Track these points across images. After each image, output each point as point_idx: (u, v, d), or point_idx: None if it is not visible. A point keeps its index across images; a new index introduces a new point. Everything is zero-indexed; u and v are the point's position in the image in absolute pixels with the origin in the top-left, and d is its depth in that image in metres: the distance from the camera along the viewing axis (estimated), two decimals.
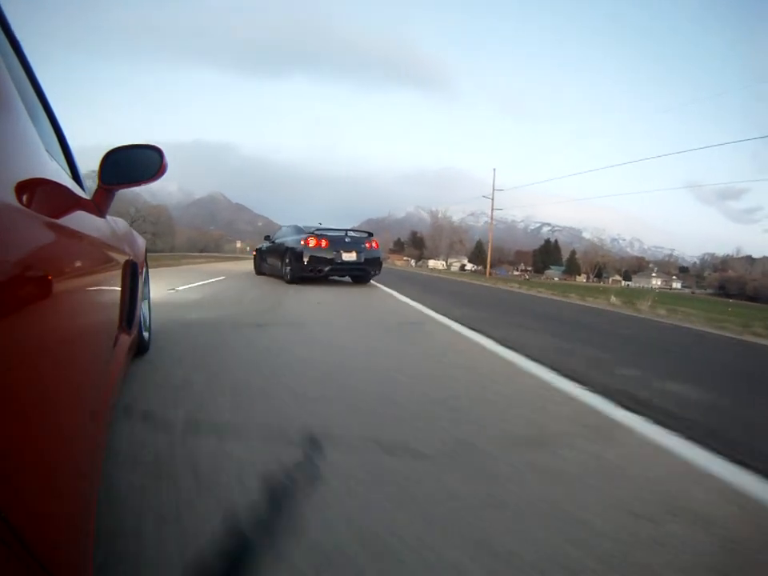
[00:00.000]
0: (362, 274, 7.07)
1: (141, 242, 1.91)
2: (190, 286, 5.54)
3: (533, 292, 9.60)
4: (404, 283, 9.40)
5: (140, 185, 1.17)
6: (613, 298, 6.87)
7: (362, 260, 6.63)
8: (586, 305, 6.90)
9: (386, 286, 7.52)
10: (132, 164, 1.17)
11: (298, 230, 6.93)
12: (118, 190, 1.16)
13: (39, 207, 0.44)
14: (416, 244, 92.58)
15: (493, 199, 29.32)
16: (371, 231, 7.67)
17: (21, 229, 0.36)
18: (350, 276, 7.35)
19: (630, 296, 8.26)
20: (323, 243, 6.38)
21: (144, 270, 1.95)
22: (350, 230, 7.18)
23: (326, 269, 6.38)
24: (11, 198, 0.36)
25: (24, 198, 0.39)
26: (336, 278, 7.51)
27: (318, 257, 6.30)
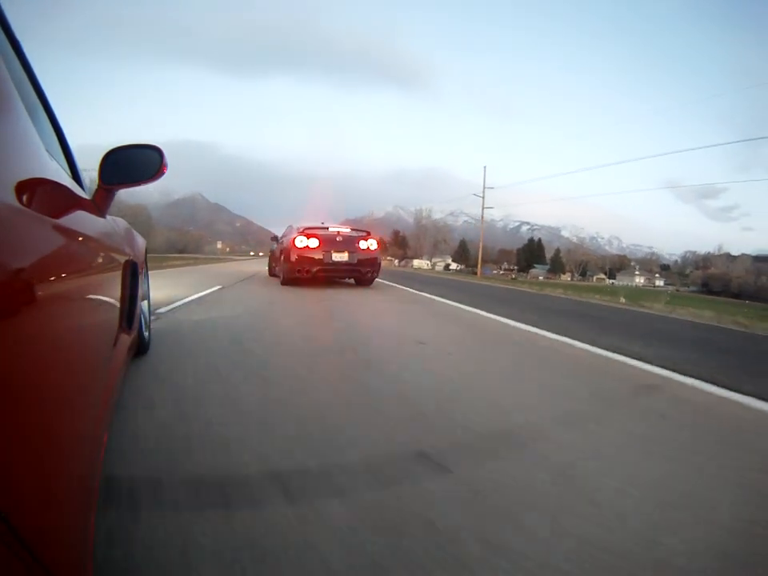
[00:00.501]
0: (355, 275, 6.56)
1: (141, 241, 1.91)
2: (179, 303, 3.82)
3: (569, 295, 8.67)
4: (436, 287, 8.40)
5: (140, 185, 1.17)
6: (707, 313, 5.81)
7: (355, 261, 6.17)
8: (662, 315, 5.73)
9: (423, 291, 6.78)
10: (132, 164, 1.17)
11: (295, 230, 6.57)
12: (118, 189, 1.16)
13: (39, 207, 0.44)
14: (399, 243, 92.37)
15: (484, 197, 28.42)
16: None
17: (21, 229, 0.36)
18: (345, 277, 6.86)
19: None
20: (312, 243, 6.01)
21: (144, 269, 1.95)
22: (344, 229, 6.73)
23: (314, 269, 6.01)
24: (11, 198, 0.36)
25: (24, 198, 0.39)
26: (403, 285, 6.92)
27: (306, 257, 5.98)
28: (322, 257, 6.00)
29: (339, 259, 6.11)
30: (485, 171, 28.54)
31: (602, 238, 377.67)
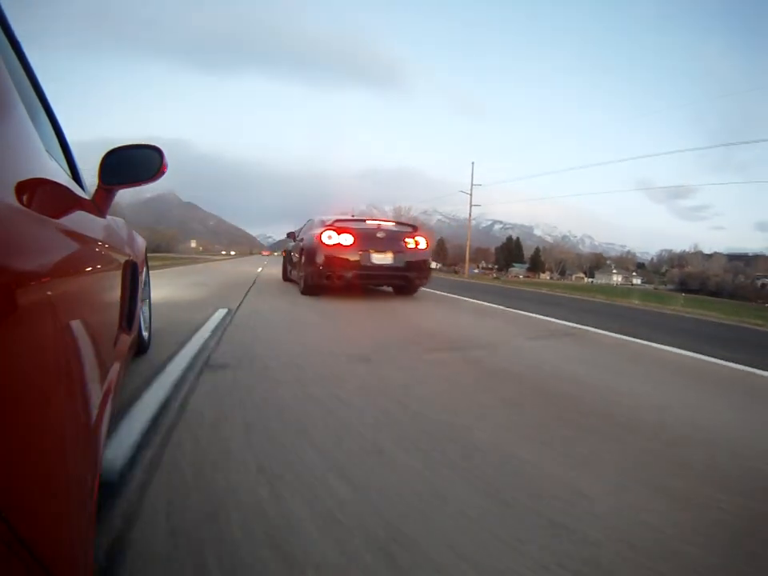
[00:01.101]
0: (400, 283, 5.11)
1: (141, 241, 1.91)
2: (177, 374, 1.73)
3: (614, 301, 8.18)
4: (488, 295, 7.15)
5: (140, 185, 1.17)
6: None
7: (402, 264, 4.80)
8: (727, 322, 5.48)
9: (500, 304, 5.45)
10: (132, 164, 1.17)
11: (319, 224, 5.10)
12: (118, 190, 1.17)
13: (39, 207, 0.44)
14: None
15: (471, 194, 27.40)
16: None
17: (21, 229, 0.36)
18: (387, 285, 5.50)
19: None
20: (345, 240, 4.61)
21: (144, 270, 1.96)
22: (385, 222, 5.23)
23: (349, 275, 4.60)
24: (11, 198, 0.36)
25: (24, 198, 0.39)
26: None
27: (337, 258, 4.55)
28: (358, 258, 4.61)
29: (381, 262, 4.71)
30: (473, 168, 27.37)
31: (575, 237, 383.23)
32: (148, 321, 2.17)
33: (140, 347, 1.92)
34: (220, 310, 3.51)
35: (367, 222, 5.09)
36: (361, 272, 4.64)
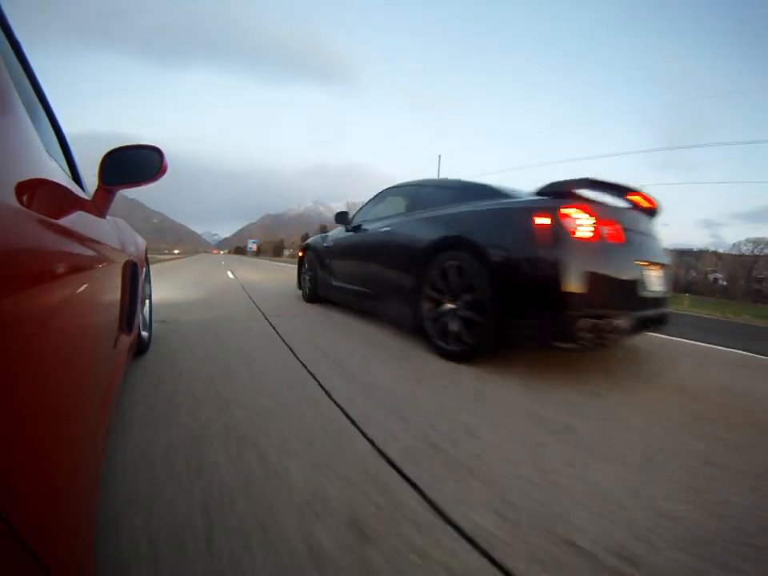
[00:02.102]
0: (659, 327, 2.30)
1: (141, 241, 1.92)
2: None
3: None
4: None
5: (140, 185, 1.18)
6: None
7: (667, 290, 2.34)
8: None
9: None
10: (132, 164, 1.17)
11: (488, 192, 2.32)
12: (118, 190, 1.17)
13: (39, 207, 0.44)
14: None
15: None
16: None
17: (21, 229, 0.36)
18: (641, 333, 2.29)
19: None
20: (609, 233, 1.88)
21: (144, 270, 1.96)
22: (638, 197, 2.27)
23: (625, 323, 1.84)
24: (11, 198, 0.36)
25: (24, 198, 0.39)
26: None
27: (608, 279, 1.81)
28: (637, 276, 1.98)
29: (657, 287, 2.17)
30: (439, 160, 25.86)
31: None
32: (148, 321, 2.18)
33: (140, 347, 1.92)
34: None
35: (628, 196, 2.28)
36: (638, 313, 2.02)
